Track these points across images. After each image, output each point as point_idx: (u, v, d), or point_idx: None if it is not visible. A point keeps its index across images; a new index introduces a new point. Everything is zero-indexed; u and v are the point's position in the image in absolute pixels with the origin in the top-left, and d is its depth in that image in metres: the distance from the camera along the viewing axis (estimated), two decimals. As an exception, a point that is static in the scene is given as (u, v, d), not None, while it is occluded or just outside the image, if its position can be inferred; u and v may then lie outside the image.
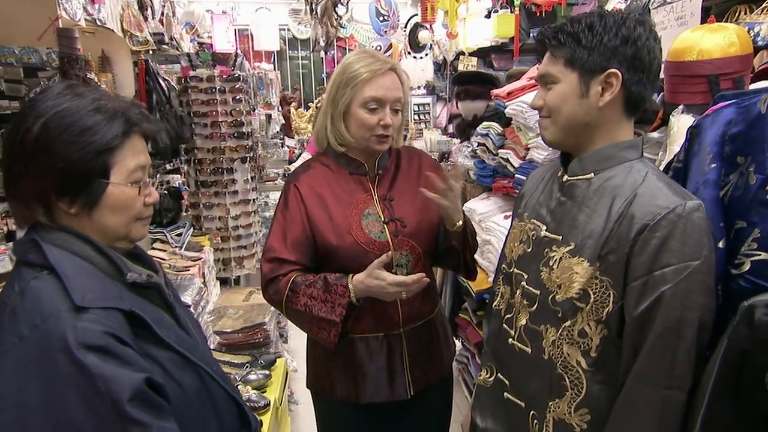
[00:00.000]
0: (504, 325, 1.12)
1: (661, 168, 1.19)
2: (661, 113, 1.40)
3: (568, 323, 0.97)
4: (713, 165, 0.94)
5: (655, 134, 1.42)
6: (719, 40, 1.26)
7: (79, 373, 0.69)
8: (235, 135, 3.36)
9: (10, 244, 2.22)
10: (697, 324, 0.87)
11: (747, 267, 0.87)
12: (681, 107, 1.29)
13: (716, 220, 0.92)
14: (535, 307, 1.03)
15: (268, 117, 4.82)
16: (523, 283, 1.06)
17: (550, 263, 1.00)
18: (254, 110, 3.79)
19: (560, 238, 1.00)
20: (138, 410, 0.71)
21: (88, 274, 0.78)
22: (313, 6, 3.74)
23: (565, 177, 1.03)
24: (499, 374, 1.13)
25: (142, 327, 0.79)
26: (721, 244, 0.91)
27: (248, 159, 3.43)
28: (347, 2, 3.96)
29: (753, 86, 1.23)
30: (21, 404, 0.69)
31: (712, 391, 0.84)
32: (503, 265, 1.17)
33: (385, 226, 1.34)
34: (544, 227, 1.04)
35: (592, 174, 0.99)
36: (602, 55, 0.93)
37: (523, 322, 1.05)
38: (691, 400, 0.88)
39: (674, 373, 0.88)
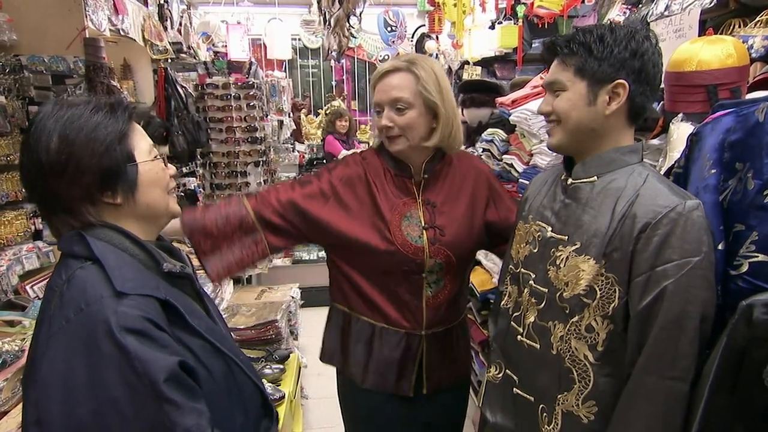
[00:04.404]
0: (512, 323, 1.15)
1: (662, 173, 1.25)
2: (662, 121, 1.44)
3: (575, 319, 1.00)
4: (713, 171, 0.98)
5: (655, 141, 1.46)
6: (717, 52, 1.29)
7: (120, 353, 0.73)
8: (249, 140, 3.45)
9: (39, 242, 2.33)
10: (699, 318, 0.90)
11: (745, 268, 0.90)
12: (680, 116, 1.33)
13: (716, 224, 0.95)
14: (543, 304, 1.06)
15: (280, 123, 4.91)
16: (531, 282, 1.09)
17: (557, 262, 1.04)
18: (267, 116, 3.88)
19: (566, 238, 1.04)
20: (172, 390, 0.75)
21: (128, 265, 0.83)
22: (327, 17, 3.84)
23: (570, 180, 1.08)
24: (507, 370, 1.16)
25: (175, 315, 0.84)
26: (720, 246, 0.94)
27: (261, 163, 3.52)
28: (360, 13, 4.06)
29: (749, 96, 1.28)
30: (67, 381, 0.74)
31: (711, 386, 0.87)
32: (510, 266, 1.21)
33: (424, 231, 1.34)
34: (550, 228, 1.08)
35: (596, 177, 1.03)
36: (612, 66, 0.97)
37: (532, 319, 1.08)
38: (691, 395, 0.92)
39: (677, 364, 0.91)
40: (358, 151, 1.50)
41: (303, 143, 6.00)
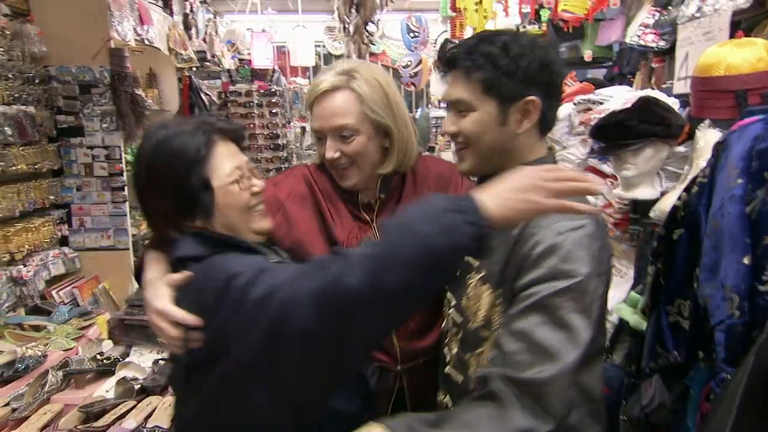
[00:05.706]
0: (443, 350, 1.05)
1: (686, 182, 1.19)
2: (687, 128, 1.39)
3: (478, 351, 0.92)
4: (740, 180, 0.93)
5: (681, 148, 1.41)
6: (747, 55, 1.24)
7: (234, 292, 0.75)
8: (271, 146, 3.50)
9: (65, 248, 2.40)
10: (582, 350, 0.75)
11: (775, 283, 0.85)
12: (707, 122, 1.28)
13: (741, 236, 0.91)
14: (460, 335, 0.98)
15: (303, 129, 4.95)
16: (453, 308, 1.01)
17: (467, 290, 0.95)
18: (289, 123, 3.93)
19: (477, 264, 0.94)
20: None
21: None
22: (346, 24, 3.87)
23: None
24: (448, 396, 1.04)
25: None
26: (746, 261, 0.89)
27: (283, 169, 3.55)
28: (377, 20, 4.07)
29: (782, 101, 1.22)
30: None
31: (739, 407, 0.81)
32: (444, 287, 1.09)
33: None
34: None
35: None
36: (522, 82, 0.88)
37: (455, 350, 0.99)
38: (716, 416, 0.86)
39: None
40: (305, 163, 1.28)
41: (326, 149, 6.03)
